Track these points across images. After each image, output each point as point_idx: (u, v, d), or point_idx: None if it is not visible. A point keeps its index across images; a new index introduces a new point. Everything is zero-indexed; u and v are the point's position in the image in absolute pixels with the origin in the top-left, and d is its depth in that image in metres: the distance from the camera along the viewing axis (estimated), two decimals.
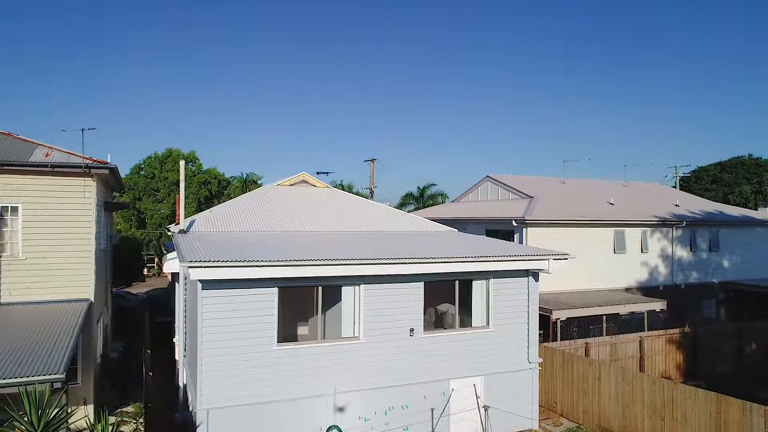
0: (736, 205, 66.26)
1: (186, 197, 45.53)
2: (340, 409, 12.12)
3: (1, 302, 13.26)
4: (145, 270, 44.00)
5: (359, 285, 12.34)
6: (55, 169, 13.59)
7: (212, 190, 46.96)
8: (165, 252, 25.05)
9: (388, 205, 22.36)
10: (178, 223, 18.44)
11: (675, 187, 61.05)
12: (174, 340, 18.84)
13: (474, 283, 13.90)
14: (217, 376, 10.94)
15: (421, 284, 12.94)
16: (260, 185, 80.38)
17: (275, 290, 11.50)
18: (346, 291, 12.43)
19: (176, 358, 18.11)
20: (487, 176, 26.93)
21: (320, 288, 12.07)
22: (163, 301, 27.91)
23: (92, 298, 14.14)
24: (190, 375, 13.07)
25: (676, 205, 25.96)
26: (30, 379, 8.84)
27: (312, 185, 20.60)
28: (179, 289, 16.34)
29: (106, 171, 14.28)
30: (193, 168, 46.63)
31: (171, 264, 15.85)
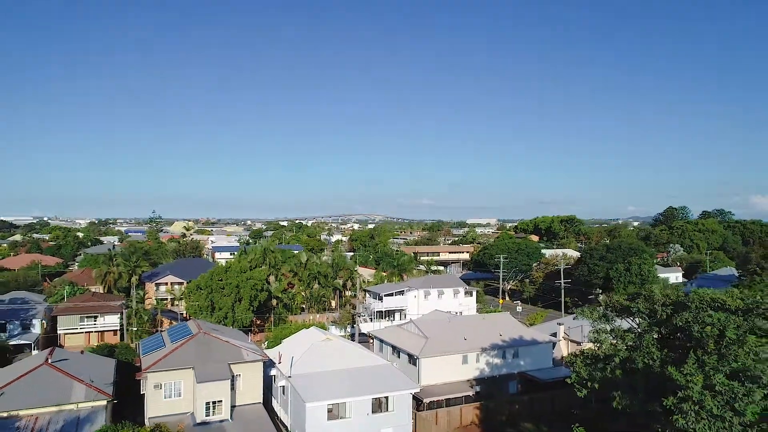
0: (613, 277, 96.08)
1: (242, 296, 73.41)
2: None
3: (236, 404, 41.51)
4: None
5: (352, 402, 40.68)
6: (251, 362, 41.93)
7: (257, 288, 75.03)
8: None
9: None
10: (280, 362, 46.65)
11: (561, 270, 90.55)
12: (275, 406, 46.97)
13: (389, 396, 42.20)
14: None
15: (371, 400, 41.24)
16: (274, 251, 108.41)
17: (326, 405, 39.79)
18: (348, 402, 40.76)
19: (278, 414, 46.35)
20: (411, 320, 55.33)
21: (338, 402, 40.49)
22: None
23: (261, 401, 42.47)
24: (297, 425, 41.23)
25: (500, 335, 54.44)
26: None
27: (330, 339, 48.56)
28: (283, 391, 44.56)
29: (267, 359, 42.58)
30: (246, 275, 74.81)
31: (280, 382, 44.14)
